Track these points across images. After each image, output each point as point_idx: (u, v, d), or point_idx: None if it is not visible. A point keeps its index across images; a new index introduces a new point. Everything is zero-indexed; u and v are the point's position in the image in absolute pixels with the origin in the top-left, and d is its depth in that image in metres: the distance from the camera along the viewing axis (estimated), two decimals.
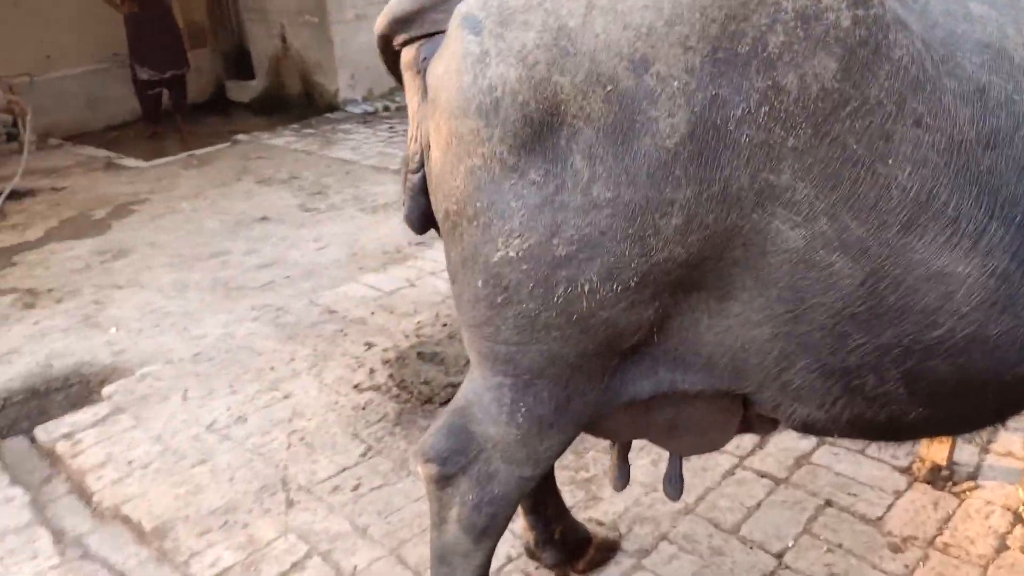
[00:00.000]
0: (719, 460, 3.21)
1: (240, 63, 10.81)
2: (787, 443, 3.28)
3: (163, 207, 6.84)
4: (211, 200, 6.91)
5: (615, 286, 1.65)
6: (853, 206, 1.56)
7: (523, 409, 1.84)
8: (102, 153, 8.72)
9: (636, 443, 3.74)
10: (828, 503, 2.94)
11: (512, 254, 1.66)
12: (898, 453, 3.18)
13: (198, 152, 8.44)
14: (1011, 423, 3.35)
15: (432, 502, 2.04)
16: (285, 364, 4.12)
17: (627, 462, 2.25)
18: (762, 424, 2.09)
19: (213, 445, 3.48)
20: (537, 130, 1.58)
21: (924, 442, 3.07)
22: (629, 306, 1.68)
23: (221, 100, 11.00)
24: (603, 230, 1.61)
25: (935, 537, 2.76)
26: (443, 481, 1.98)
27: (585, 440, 3.34)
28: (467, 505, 1.97)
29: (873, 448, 3.22)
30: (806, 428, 1.96)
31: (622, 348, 1.77)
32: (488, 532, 2.00)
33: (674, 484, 2.16)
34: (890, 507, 2.91)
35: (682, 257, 1.63)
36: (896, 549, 2.72)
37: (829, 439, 3.26)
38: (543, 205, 1.62)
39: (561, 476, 3.17)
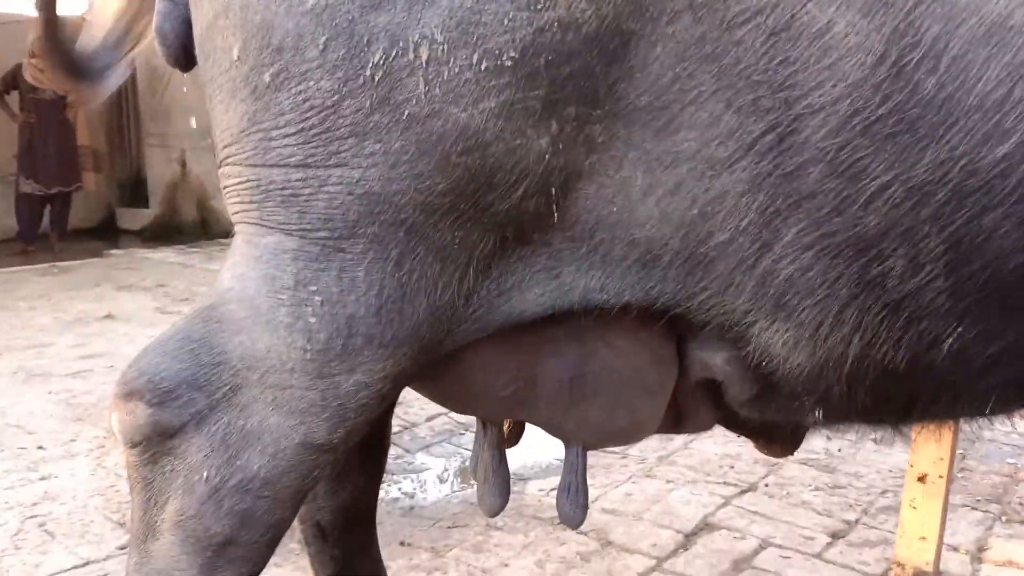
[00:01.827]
0: (628, 561, 2.30)
1: (135, 192, 10.15)
2: (720, 543, 2.41)
3: None
4: (55, 302, 5.93)
5: (475, 59, 0.93)
6: None
7: (318, 300, 1.01)
8: None
9: (514, 532, 2.79)
10: None
11: None
12: (867, 557, 2.35)
13: (62, 263, 7.52)
14: (1003, 528, 2.60)
15: (134, 488, 1.10)
16: (60, 445, 3.09)
17: (505, 463, 1.35)
18: (698, 406, 1.30)
19: None
20: None
21: (901, 544, 2.26)
22: (506, 111, 0.95)
23: (110, 228, 10.19)
24: None
25: None
26: (157, 440, 1.05)
27: (449, 536, 2.41)
28: (196, 493, 1.05)
29: (834, 551, 2.38)
30: (777, 400, 1.18)
31: (498, 213, 1.01)
32: (231, 553, 1.07)
33: (574, 498, 1.28)
34: None
35: (591, 26, 0.93)
36: None
37: (775, 540, 2.42)
38: None
39: None
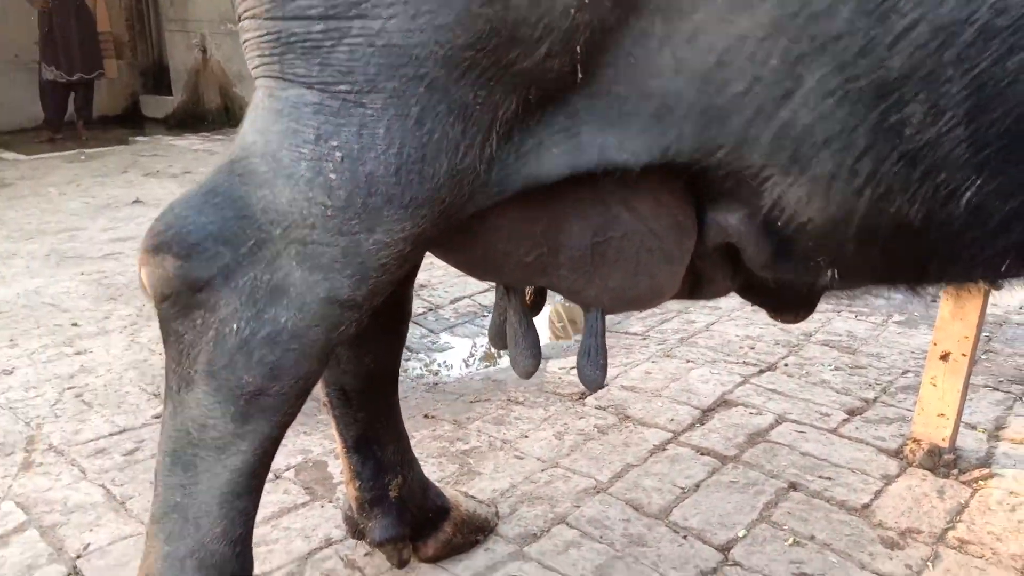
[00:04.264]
0: (645, 434, 2.35)
1: (158, 79, 10.06)
2: (736, 418, 2.45)
3: (26, 190, 5.90)
4: (84, 187, 5.99)
5: None
6: None
7: (338, 155, 1.00)
8: None
9: (535, 407, 2.85)
10: (793, 486, 2.09)
11: None
12: (883, 433, 2.37)
13: (89, 150, 7.56)
14: None
15: (167, 341, 1.13)
16: (94, 322, 3.18)
17: (532, 326, 1.37)
18: (715, 271, 1.29)
19: None
20: None
21: (919, 421, 2.27)
22: None
23: (135, 115, 10.17)
24: None
25: (945, 531, 1.92)
26: (187, 293, 1.07)
27: (472, 410, 2.47)
28: (227, 345, 1.07)
29: (850, 427, 2.40)
30: (792, 260, 1.16)
31: (521, 72, 0.98)
32: (263, 403, 1.10)
33: (594, 361, 1.29)
34: (879, 494, 2.07)
35: None
36: (892, 544, 1.87)
37: (792, 416, 2.45)
38: None
39: (430, 446, 2.28)
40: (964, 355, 2.18)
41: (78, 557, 1.77)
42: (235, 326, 1.08)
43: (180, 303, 1.09)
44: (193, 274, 1.06)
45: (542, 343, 3.07)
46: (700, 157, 1.05)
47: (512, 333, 1.36)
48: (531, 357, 1.36)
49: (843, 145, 0.98)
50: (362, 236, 1.04)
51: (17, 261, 4.11)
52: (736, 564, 1.78)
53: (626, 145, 1.05)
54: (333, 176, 1.01)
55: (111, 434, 2.31)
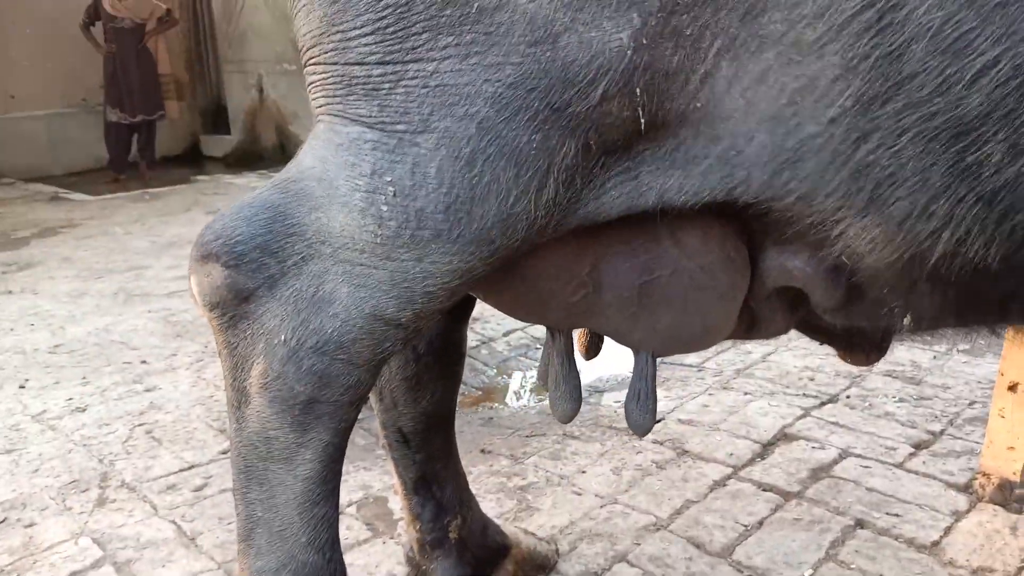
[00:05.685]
0: (704, 469, 2.33)
1: (217, 118, 10.37)
2: (798, 452, 2.41)
3: (94, 230, 6.13)
4: (149, 226, 6.20)
5: None
6: None
7: (391, 190, 1.04)
8: (50, 188, 8.12)
9: (591, 441, 2.82)
10: (860, 524, 2.05)
11: None
12: (951, 467, 2.31)
13: (153, 190, 7.83)
14: None
15: (221, 355, 1.17)
16: (162, 359, 3.28)
17: (575, 369, 1.36)
18: (773, 312, 1.27)
19: (31, 434, 2.61)
20: None
21: (987, 454, 2.21)
22: (576, 1, 0.96)
23: (195, 155, 10.50)
24: None
25: (1020, 570, 1.86)
26: (233, 302, 1.11)
27: (528, 444, 2.48)
28: (278, 355, 1.10)
29: (917, 461, 2.35)
30: (864, 305, 1.15)
31: (577, 115, 1.00)
32: (318, 410, 1.13)
33: (643, 405, 1.28)
34: (948, 531, 2.02)
35: None
36: None
37: (856, 450, 2.40)
38: None
39: (487, 482, 2.29)
40: None
41: None
42: (283, 336, 1.10)
43: (228, 313, 1.12)
44: (239, 283, 1.09)
45: (596, 376, 3.07)
46: (768, 200, 1.04)
47: (554, 376, 1.35)
48: (571, 401, 1.34)
49: (918, 186, 0.96)
50: (409, 264, 1.07)
51: (87, 300, 4.27)
52: None
53: (687, 188, 1.05)
54: (385, 208, 1.05)
55: (180, 470, 2.38)
